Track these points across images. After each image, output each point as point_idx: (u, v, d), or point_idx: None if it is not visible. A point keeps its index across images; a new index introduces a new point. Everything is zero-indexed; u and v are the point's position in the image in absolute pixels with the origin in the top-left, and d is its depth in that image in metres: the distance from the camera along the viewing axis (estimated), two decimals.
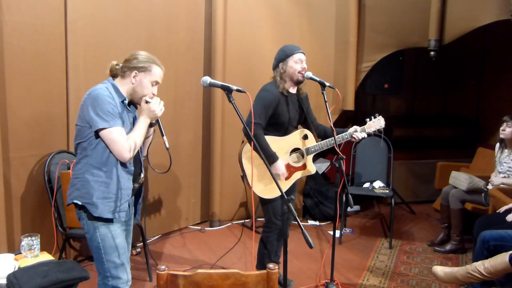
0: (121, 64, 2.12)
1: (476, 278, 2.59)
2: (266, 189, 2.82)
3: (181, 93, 3.93)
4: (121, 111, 2.05)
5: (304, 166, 2.97)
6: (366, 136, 2.97)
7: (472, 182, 3.64)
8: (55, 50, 3.05)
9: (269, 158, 2.78)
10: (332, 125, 2.85)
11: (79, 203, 2.05)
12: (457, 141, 5.33)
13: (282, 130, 2.90)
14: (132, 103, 2.17)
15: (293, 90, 2.93)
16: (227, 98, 2.15)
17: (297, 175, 2.96)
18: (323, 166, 4.99)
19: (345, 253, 3.76)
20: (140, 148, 2.19)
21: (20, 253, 2.30)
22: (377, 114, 3.03)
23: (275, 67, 2.89)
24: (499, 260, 2.49)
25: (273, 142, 2.82)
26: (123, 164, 2.09)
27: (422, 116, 5.67)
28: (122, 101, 2.08)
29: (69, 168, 2.90)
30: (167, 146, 2.13)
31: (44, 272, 2.08)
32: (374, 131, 3.02)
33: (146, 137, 2.20)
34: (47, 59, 3.01)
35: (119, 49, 3.38)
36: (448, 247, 3.79)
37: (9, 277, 2.02)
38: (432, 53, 4.12)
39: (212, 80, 2.20)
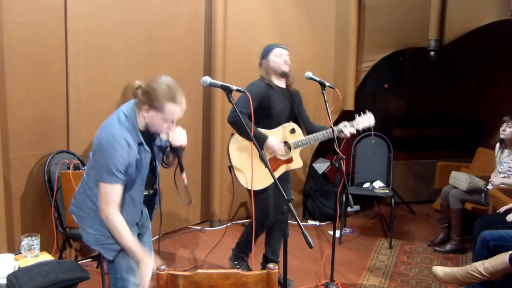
0: (140, 90, 1.95)
1: (476, 278, 2.59)
2: (255, 180, 2.83)
3: None
4: (133, 156, 1.92)
5: (290, 160, 2.99)
6: (355, 132, 2.96)
7: (472, 182, 3.64)
8: (55, 50, 3.05)
9: (258, 139, 2.80)
10: (332, 126, 2.85)
11: (75, 220, 2.06)
12: (457, 141, 5.33)
13: (271, 123, 2.93)
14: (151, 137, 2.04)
15: (281, 84, 2.97)
16: (227, 98, 2.15)
17: (283, 168, 2.98)
18: (323, 166, 4.99)
19: (345, 253, 3.76)
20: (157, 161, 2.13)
21: (20, 253, 2.30)
22: (366, 110, 3.03)
23: (260, 64, 2.98)
24: (499, 260, 2.49)
25: None
26: (127, 208, 2.00)
27: (422, 116, 5.67)
28: (140, 144, 1.95)
29: (69, 168, 2.90)
30: (185, 184, 2.05)
31: (44, 272, 2.08)
32: (363, 128, 3.01)
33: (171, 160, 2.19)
34: (47, 59, 3.01)
35: (119, 49, 3.38)
36: (448, 247, 3.79)
37: (9, 277, 2.02)
38: (432, 53, 4.12)
39: (212, 80, 2.20)
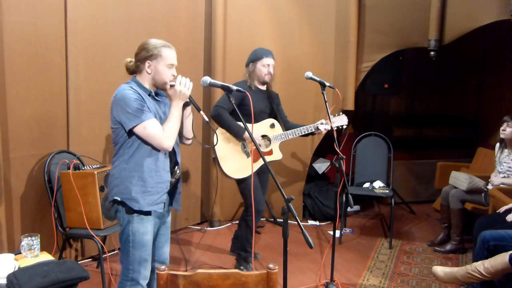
0: (134, 58, 2.16)
1: (476, 278, 2.59)
2: (237, 169, 3.07)
3: None
4: (150, 105, 2.10)
5: (270, 152, 3.20)
6: (329, 129, 3.11)
7: (472, 182, 3.64)
8: (55, 50, 3.05)
9: (238, 131, 3.06)
10: (332, 125, 2.87)
11: (119, 199, 2.12)
12: (457, 141, 5.33)
13: (251, 121, 3.04)
14: (160, 93, 2.23)
15: (262, 87, 3.24)
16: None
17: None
18: (323, 166, 4.99)
19: (345, 253, 3.76)
20: (176, 141, 2.22)
21: (20, 253, 2.30)
22: (341, 113, 3.26)
23: (247, 65, 3.23)
24: (499, 260, 2.49)
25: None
26: (159, 159, 2.12)
27: (422, 116, 5.67)
28: (149, 94, 2.12)
29: (69, 168, 2.90)
30: (207, 119, 2.16)
31: (44, 272, 2.07)
32: (338, 127, 3.20)
33: (185, 118, 2.27)
34: (47, 59, 3.01)
35: (119, 49, 3.38)
36: (448, 247, 3.79)
37: (9, 277, 2.02)
38: (432, 53, 4.12)
39: (212, 80, 2.21)
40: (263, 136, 3.22)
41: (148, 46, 2.11)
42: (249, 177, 3.08)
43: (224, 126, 3.07)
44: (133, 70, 2.18)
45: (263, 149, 3.19)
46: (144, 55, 2.10)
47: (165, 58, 2.11)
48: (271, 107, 3.26)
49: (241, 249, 3.29)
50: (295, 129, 3.18)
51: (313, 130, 3.15)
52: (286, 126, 3.32)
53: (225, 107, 3.05)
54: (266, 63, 3.15)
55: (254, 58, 3.18)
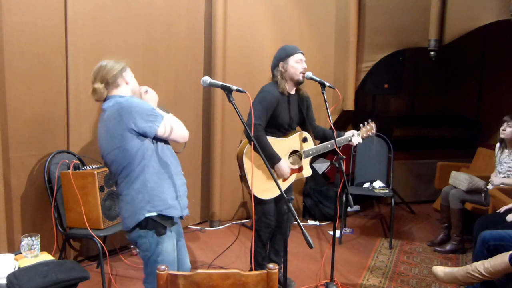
0: (101, 84, 2.12)
1: (476, 278, 2.59)
2: (262, 190, 2.82)
3: (181, 93, 3.93)
4: None
5: (301, 168, 2.98)
6: (361, 141, 3.02)
7: (472, 182, 3.64)
8: (55, 50, 3.05)
9: (272, 159, 2.77)
10: (332, 126, 2.86)
11: (155, 213, 2.03)
12: (457, 141, 5.33)
13: (282, 131, 2.91)
14: None
15: (293, 91, 2.92)
16: (227, 98, 2.15)
17: (293, 178, 2.97)
18: (323, 166, 4.99)
19: (345, 253, 3.76)
20: None
21: (20, 253, 2.30)
22: (369, 120, 3.10)
23: (275, 66, 2.86)
24: (499, 260, 2.49)
25: (274, 143, 2.82)
26: (173, 162, 2.15)
27: (422, 116, 5.67)
28: None
29: (69, 168, 2.90)
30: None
31: (44, 272, 2.08)
32: (367, 136, 3.08)
33: None
34: (47, 59, 3.01)
35: (119, 49, 3.38)
36: (448, 247, 3.79)
37: (9, 277, 2.03)
38: (432, 53, 4.12)
39: (212, 80, 2.20)
40: (293, 152, 2.95)
41: (114, 63, 2.15)
42: (270, 200, 2.87)
43: (259, 149, 2.54)
44: (101, 96, 2.13)
45: (293, 166, 2.94)
46: (118, 69, 2.13)
47: (129, 72, 2.20)
48: (300, 113, 2.98)
49: (256, 264, 2.99)
50: (327, 143, 2.93)
51: (346, 143, 2.98)
52: (314, 131, 3.08)
53: (262, 124, 2.74)
54: (299, 58, 2.79)
55: (284, 55, 2.81)
